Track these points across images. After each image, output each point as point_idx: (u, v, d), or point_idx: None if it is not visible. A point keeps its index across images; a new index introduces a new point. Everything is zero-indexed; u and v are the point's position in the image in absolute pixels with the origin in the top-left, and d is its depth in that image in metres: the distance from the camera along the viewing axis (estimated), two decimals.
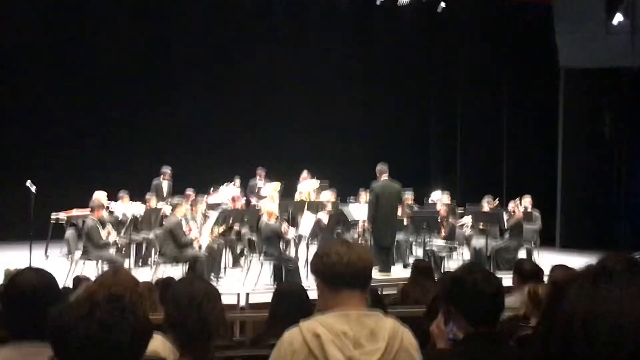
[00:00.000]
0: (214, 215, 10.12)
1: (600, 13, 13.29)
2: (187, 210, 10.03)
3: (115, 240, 9.47)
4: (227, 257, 10.52)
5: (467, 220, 11.31)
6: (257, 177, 13.24)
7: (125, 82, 13.62)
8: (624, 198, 14.24)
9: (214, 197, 11.88)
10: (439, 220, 10.79)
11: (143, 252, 10.81)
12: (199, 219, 10.32)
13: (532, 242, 11.33)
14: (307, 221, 10.10)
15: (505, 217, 10.79)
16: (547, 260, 9.04)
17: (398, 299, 5.87)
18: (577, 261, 1.27)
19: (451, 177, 15.34)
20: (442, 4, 15.13)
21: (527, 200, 11.43)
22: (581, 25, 13.26)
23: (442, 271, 9.08)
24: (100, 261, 8.95)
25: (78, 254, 9.50)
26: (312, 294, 2.97)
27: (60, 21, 13.30)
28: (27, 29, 12.84)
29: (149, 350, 1.71)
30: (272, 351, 2.20)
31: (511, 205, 11.41)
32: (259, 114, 14.77)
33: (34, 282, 2.33)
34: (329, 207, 11.23)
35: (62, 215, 11.23)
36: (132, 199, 11.00)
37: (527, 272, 4.81)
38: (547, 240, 12.46)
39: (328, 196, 11.86)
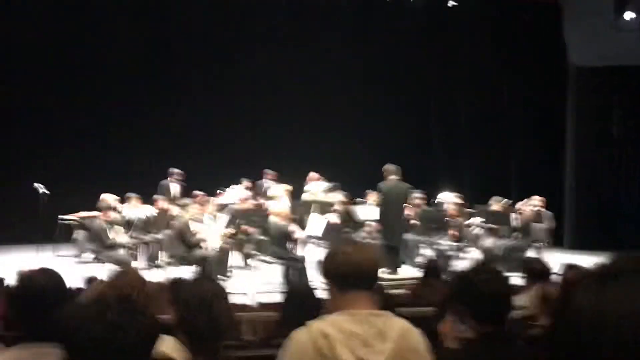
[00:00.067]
0: (224, 217, 10.15)
1: (610, 10, 13.23)
2: (196, 210, 10.06)
3: (123, 242, 9.52)
4: (236, 257, 10.54)
5: (476, 220, 11.28)
6: (264, 179, 13.28)
7: (125, 82, 13.62)
8: (633, 198, 14.16)
9: (221, 199, 11.92)
10: (448, 221, 10.78)
11: (152, 253, 10.85)
12: (206, 220, 10.35)
13: (543, 242, 11.28)
14: (315, 222, 10.10)
15: (513, 217, 10.77)
16: (555, 260, 9.00)
17: (408, 299, 5.87)
18: (586, 262, 1.27)
19: (457, 178, 15.29)
20: (452, 2, 15.04)
21: (536, 200, 11.39)
22: (590, 23, 13.20)
23: (450, 271, 9.06)
24: (109, 262, 8.99)
25: (87, 255, 9.56)
26: (321, 294, 2.97)
27: (60, 21, 13.28)
28: (27, 29, 12.81)
29: (160, 352, 1.72)
30: (281, 351, 2.21)
31: (519, 205, 11.37)
32: (259, 114, 14.71)
33: (43, 283, 2.34)
34: (338, 207, 11.23)
35: (71, 217, 11.29)
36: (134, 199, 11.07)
37: (537, 272, 4.81)
38: (555, 241, 12.39)
39: (338, 197, 11.86)
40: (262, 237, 10.43)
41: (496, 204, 11.27)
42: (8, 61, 12.87)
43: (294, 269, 9.19)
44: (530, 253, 10.95)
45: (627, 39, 13.02)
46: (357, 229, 11.41)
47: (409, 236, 10.99)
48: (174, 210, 10.78)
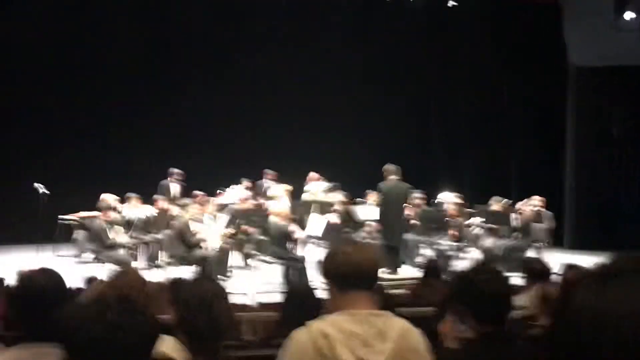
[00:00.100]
0: (224, 217, 10.15)
1: (610, 10, 13.23)
2: (196, 210, 10.06)
3: (123, 242, 9.52)
4: (236, 257, 10.54)
5: (476, 220, 11.29)
6: (264, 179, 13.29)
7: (125, 82, 13.61)
8: (633, 198, 14.15)
9: (221, 199, 11.92)
10: (448, 221, 10.78)
11: (152, 253, 10.86)
12: (206, 220, 10.35)
13: (543, 242, 11.28)
14: (315, 222, 10.11)
15: (513, 217, 10.77)
16: (555, 260, 9.00)
17: (408, 299, 5.87)
18: (586, 262, 1.27)
19: (457, 178, 15.28)
20: (452, 2, 15.04)
21: (536, 200, 11.39)
22: (590, 23, 13.20)
23: (450, 271, 9.06)
24: (109, 262, 8.99)
25: (87, 255, 9.57)
26: (321, 294, 2.97)
27: (60, 21, 13.27)
28: (27, 29, 12.80)
29: (160, 352, 1.72)
30: (281, 351, 2.21)
31: (519, 205, 11.37)
32: (259, 114, 14.70)
33: (43, 283, 2.34)
34: (338, 207, 11.23)
35: (71, 217, 11.29)
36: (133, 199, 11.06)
37: (537, 272, 4.81)
38: (555, 241, 12.38)
39: (338, 197, 11.86)
40: (262, 237, 10.43)
41: (496, 204, 11.27)
42: (8, 61, 12.86)
43: (294, 269, 9.19)
44: (530, 253, 10.95)
45: (627, 39, 13.02)
46: (357, 229, 11.41)
47: (409, 236, 10.99)
48: (174, 210, 10.79)
